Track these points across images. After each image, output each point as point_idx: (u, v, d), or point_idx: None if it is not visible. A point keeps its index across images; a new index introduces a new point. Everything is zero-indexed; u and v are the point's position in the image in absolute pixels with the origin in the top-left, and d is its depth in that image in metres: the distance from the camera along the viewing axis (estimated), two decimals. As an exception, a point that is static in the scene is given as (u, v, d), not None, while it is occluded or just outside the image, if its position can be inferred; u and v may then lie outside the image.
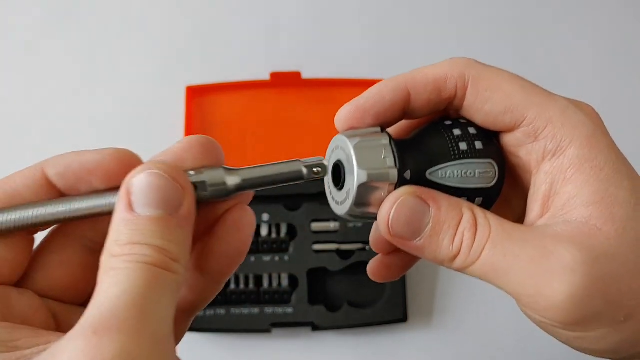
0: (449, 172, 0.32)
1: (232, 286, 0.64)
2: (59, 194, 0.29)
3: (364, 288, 0.66)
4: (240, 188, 0.30)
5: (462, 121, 0.34)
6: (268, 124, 0.71)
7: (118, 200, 0.26)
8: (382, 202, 0.31)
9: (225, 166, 0.30)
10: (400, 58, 0.75)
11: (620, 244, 0.29)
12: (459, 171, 0.32)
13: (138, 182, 0.26)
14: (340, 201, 0.33)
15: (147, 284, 0.24)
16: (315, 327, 0.64)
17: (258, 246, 0.65)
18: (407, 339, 0.66)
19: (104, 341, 0.22)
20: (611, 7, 0.77)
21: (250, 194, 0.31)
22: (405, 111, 0.33)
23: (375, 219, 0.32)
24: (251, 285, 0.64)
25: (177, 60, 0.75)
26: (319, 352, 0.66)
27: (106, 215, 0.28)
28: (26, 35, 0.75)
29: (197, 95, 0.71)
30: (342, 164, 0.32)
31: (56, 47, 0.75)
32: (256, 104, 0.71)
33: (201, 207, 0.29)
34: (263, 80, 0.71)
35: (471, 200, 0.33)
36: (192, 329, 0.63)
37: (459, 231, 0.31)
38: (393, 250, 0.38)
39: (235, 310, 0.63)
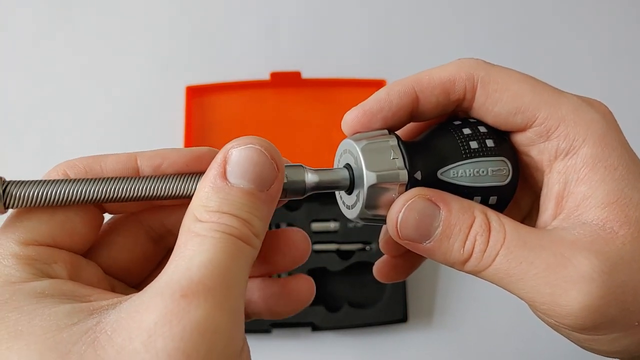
0: (461, 171, 0.32)
1: (232, 286, 0.64)
2: None
3: (364, 288, 0.66)
4: (315, 187, 0.31)
5: (472, 120, 0.33)
6: (268, 124, 0.71)
7: (212, 166, 0.27)
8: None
9: (304, 165, 0.31)
10: (401, 58, 0.75)
11: (636, 248, 0.29)
12: (471, 170, 0.32)
13: (237, 153, 0.27)
14: (351, 205, 0.32)
15: (232, 257, 0.25)
16: (315, 328, 0.64)
17: (258, 246, 0.65)
18: (407, 339, 0.66)
19: (192, 306, 0.23)
20: (615, 7, 0.77)
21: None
22: (413, 114, 0.33)
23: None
24: (251, 286, 0.64)
25: (177, 60, 0.75)
26: (319, 352, 0.65)
27: (185, 198, 0.29)
28: (26, 36, 0.75)
29: (196, 95, 0.71)
30: (350, 167, 0.32)
31: (56, 48, 0.75)
32: (256, 103, 0.71)
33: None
34: (263, 80, 0.71)
35: (485, 199, 0.32)
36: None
37: (471, 235, 0.30)
38: (401, 253, 0.38)
39: (235, 311, 0.63)
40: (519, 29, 0.76)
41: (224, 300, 0.24)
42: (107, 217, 0.32)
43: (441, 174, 0.32)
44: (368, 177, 0.31)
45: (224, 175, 0.27)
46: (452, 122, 0.33)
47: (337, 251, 0.65)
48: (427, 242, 0.31)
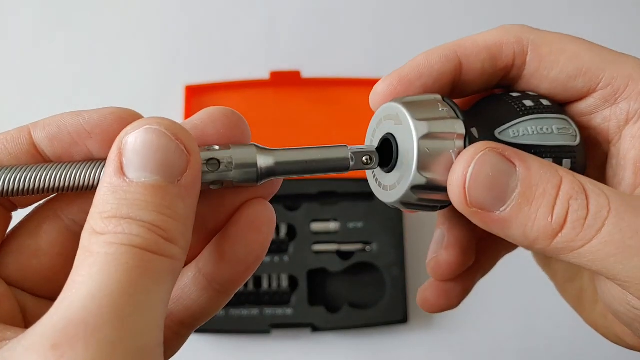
0: (522, 129, 0.27)
1: (232, 287, 0.63)
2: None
3: (365, 289, 0.65)
4: (271, 172, 0.25)
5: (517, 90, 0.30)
6: (268, 123, 0.71)
7: (107, 162, 0.22)
8: (452, 165, 0.25)
9: (258, 144, 0.25)
10: (401, 57, 0.74)
11: None
12: (534, 127, 0.27)
13: (133, 139, 0.22)
14: (392, 184, 0.27)
15: (133, 276, 0.20)
16: (315, 328, 0.63)
17: (257, 247, 0.64)
18: (408, 340, 0.65)
19: (66, 358, 0.18)
20: (614, 6, 0.77)
21: (275, 187, 0.26)
22: (455, 84, 0.29)
23: (442, 199, 0.26)
24: (250, 286, 0.64)
25: (176, 59, 0.74)
26: (318, 353, 0.65)
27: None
28: (25, 35, 0.75)
29: (196, 94, 0.71)
30: (392, 135, 0.27)
31: (55, 47, 0.74)
32: (256, 103, 0.71)
33: (217, 194, 0.25)
34: (263, 79, 0.70)
35: (558, 162, 0.27)
36: (191, 330, 0.62)
37: (561, 198, 0.24)
38: (453, 277, 0.33)
39: (234, 311, 0.63)
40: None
41: (119, 339, 0.18)
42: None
43: (499, 133, 0.27)
44: (417, 127, 0.25)
45: (120, 170, 0.21)
46: (495, 93, 0.30)
47: (337, 252, 0.65)
48: (502, 208, 0.24)
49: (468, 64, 0.28)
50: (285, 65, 0.71)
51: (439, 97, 0.27)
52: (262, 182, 0.25)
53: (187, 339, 0.27)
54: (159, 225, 0.21)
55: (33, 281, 0.25)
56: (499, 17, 0.77)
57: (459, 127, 0.25)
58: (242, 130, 0.25)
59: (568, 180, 0.24)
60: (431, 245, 0.33)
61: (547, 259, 0.38)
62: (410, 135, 0.25)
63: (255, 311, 0.63)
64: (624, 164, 0.27)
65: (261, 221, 0.25)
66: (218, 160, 0.24)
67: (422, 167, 0.25)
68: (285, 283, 0.64)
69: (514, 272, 0.61)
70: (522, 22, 0.77)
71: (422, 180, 0.25)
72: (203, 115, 0.25)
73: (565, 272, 0.37)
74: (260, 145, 0.25)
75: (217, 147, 0.24)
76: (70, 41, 0.75)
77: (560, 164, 0.27)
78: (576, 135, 0.28)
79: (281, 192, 0.72)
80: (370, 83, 0.71)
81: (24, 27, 0.75)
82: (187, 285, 0.26)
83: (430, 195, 0.26)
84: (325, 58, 0.74)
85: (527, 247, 0.26)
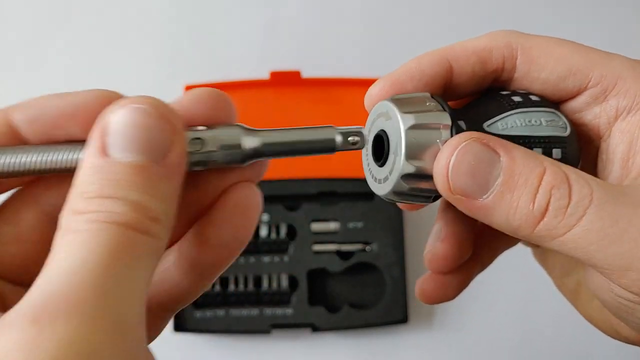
0: (510, 122, 0.28)
1: (231, 287, 0.63)
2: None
3: (365, 289, 0.65)
4: (258, 153, 0.25)
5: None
6: (267, 124, 0.70)
7: (89, 142, 0.21)
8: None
9: (243, 125, 0.26)
10: (401, 57, 0.74)
11: None
12: (522, 119, 0.28)
13: (117, 118, 0.21)
14: (385, 177, 0.28)
15: (115, 252, 0.19)
16: (315, 328, 0.63)
17: (257, 247, 0.64)
18: (408, 340, 0.65)
19: (46, 332, 0.17)
20: (614, 7, 0.77)
21: (261, 169, 0.27)
22: (446, 87, 0.30)
23: (433, 187, 0.27)
24: (250, 286, 0.63)
25: (175, 59, 0.74)
26: (318, 353, 0.65)
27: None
28: (25, 35, 0.75)
29: (196, 94, 0.70)
30: (384, 132, 0.28)
31: (55, 47, 0.75)
32: (255, 103, 0.71)
33: (202, 177, 0.25)
34: (262, 79, 0.70)
35: (547, 152, 0.28)
36: (190, 330, 0.62)
37: (543, 187, 0.25)
38: (450, 270, 0.34)
39: (234, 311, 0.63)
40: (522, 28, 0.76)
41: (100, 313, 0.18)
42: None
43: (487, 126, 0.28)
44: (404, 119, 0.26)
45: (103, 149, 0.21)
46: (485, 93, 0.31)
47: (337, 252, 0.65)
48: (485, 196, 0.25)
49: (458, 67, 0.29)
50: (285, 65, 0.71)
51: (427, 94, 0.28)
52: (248, 163, 0.25)
53: (168, 322, 0.27)
54: (142, 204, 0.21)
55: (11, 269, 0.24)
56: (498, 18, 0.77)
57: (445, 118, 0.27)
58: (228, 111, 0.26)
59: (551, 170, 0.25)
60: (429, 238, 0.34)
61: (544, 254, 0.39)
62: (398, 127, 0.27)
63: (255, 311, 0.63)
64: (612, 157, 0.28)
65: (247, 205, 0.25)
66: (202, 140, 0.24)
67: (410, 156, 0.27)
68: (285, 283, 0.64)
69: (514, 272, 0.61)
70: (521, 22, 0.77)
71: (411, 169, 0.27)
72: (190, 96, 0.25)
73: (562, 267, 0.37)
74: (247, 126, 0.26)
75: (201, 128, 0.24)
76: (69, 40, 0.75)
77: (550, 154, 0.28)
78: (566, 127, 0.29)
79: (281, 192, 0.72)
80: (370, 83, 0.70)
81: (24, 25, 0.75)
82: (169, 268, 0.26)
83: (420, 184, 0.27)
84: (325, 58, 0.74)
85: (513, 234, 0.26)
